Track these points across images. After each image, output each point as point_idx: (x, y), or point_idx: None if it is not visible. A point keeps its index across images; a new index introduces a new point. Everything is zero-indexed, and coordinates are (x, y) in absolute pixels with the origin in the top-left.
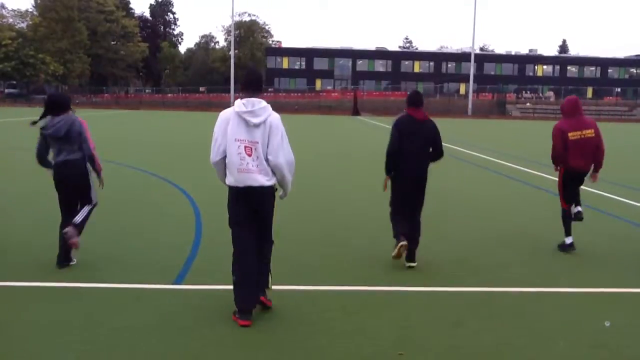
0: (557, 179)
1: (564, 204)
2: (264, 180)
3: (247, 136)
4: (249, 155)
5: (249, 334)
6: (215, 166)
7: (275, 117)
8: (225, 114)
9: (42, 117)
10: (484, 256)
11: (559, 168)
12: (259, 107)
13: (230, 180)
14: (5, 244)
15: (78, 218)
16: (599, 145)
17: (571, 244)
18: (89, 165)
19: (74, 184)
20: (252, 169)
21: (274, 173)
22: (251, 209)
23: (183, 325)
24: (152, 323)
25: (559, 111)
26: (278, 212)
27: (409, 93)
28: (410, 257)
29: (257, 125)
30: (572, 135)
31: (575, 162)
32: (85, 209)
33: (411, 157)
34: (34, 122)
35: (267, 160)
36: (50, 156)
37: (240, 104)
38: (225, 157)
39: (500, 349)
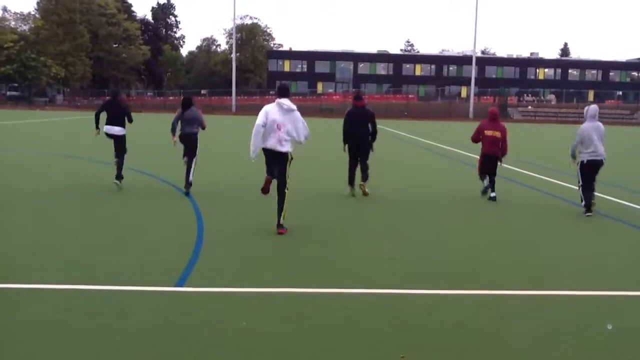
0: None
1: (480, 174)
2: (283, 148)
3: (280, 119)
4: (279, 130)
5: (249, 337)
6: (255, 129)
7: (298, 113)
8: (268, 105)
9: (182, 110)
10: (485, 259)
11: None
12: (289, 101)
13: (266, 144)
14: (5, 244)
15: (190, 174)
16: (502, 142)
17: (487, 186)
18: (199, 135)
19: (191, 145)
20: (279, 137)
21: (288, 142)
22: (274, 162)
23: (184, 328)
24: (154, 325)
25: (561, 114)
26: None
27: (353, 92)
28: (364, 179)
29: (288, 111)
30: (487, 132)
31: (486, 148)
32: (192, 166)
33: (356, 128)
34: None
35: (291, 136)
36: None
37: (278, 99)
38: (263, 126)
39: (502, 352)
